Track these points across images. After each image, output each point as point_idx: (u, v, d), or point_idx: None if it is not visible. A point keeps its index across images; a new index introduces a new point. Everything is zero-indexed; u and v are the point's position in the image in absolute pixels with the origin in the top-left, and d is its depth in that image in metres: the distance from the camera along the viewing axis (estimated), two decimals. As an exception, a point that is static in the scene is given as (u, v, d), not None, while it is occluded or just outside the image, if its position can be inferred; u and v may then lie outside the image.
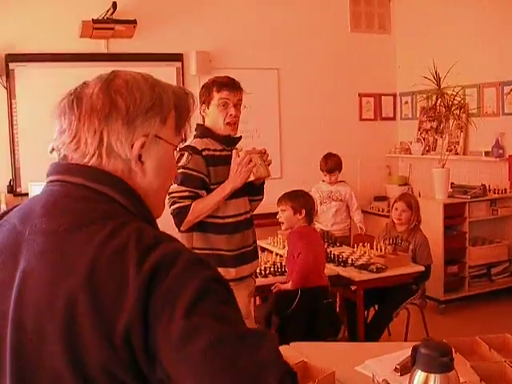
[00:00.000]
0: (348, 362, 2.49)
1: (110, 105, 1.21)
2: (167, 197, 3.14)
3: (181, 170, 3.12)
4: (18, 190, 6.42)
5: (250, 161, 3.19)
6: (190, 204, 3.13)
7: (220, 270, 3.08)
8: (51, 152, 1.27)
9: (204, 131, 3.30)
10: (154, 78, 1.28)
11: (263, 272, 4.38)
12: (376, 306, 4.89)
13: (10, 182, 6.39)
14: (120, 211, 1.19)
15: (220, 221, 3.22)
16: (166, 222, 3.30)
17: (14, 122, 6.37)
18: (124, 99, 1.21)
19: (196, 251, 3.18)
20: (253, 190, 3.42)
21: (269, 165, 3.33)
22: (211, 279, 1.13)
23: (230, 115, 3.26)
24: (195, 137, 3.31)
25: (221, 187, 3.20)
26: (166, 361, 1.05)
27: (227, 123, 3.27)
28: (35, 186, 5.93)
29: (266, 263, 4.64)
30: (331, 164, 5.76)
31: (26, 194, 6.21)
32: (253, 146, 7.12)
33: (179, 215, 3.15)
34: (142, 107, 1.22)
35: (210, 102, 3.26)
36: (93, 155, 1.20)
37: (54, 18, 6.35)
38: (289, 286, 4.05)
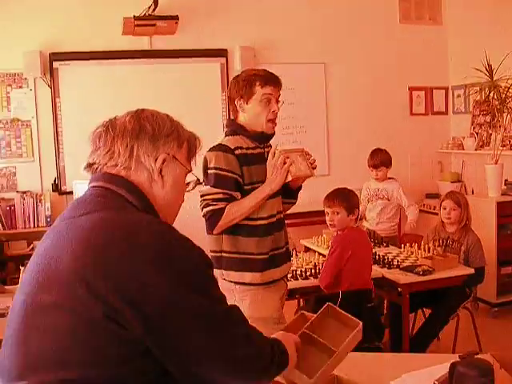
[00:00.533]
0: (384, 374, 2.34)
1: (140, 127, 1.55)
2: (200, 199, 3.02)
3: (213, 171, 2.98)
4: (62, 188, 6.44)
5: (285, 161, 3.01)
6: (224, 207, 2.97)
7: (249, 274, 2.92)
8: (84, 169, 1.59)
9: (236, 128, 3.13)
10: (172, 117, 1.65)
11: (304, 274, 4.22)
12: (423, 310, 4.69)
13: (54, 181, 6.40)
14: (127, 206, 1.50)
15: (252, 223, 3.04)
16: (196, 225, 3.23)
17: (59, 121, 6.39)
18: (151, 124, 1.57)
19: (225, 255, 3.05)
20: (287, 193, 3.25)
21: (314, 167, 3.13)
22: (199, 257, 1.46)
23: (273, 112, 3.09)
24: (226, 134, 3.14)
25: (258, 190, 3.03)
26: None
27: (269, 120, 3.10)
28: (80, 184, 5.92)
29: (308, 264, 4.48)
30: (377, 159, 5.56)
31: (71, 193, 6.21)
32: (299, 142, 7.05)
33: (212, 218, 2.99)
34: (165, 132, 1.58)
35: (251, 97, 3.06)
36: (123, 163, 1.53)
37: (96, 16, 6.35)
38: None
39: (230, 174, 2.98)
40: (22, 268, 3.63)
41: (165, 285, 1.32)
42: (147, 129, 1.56)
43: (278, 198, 3.16)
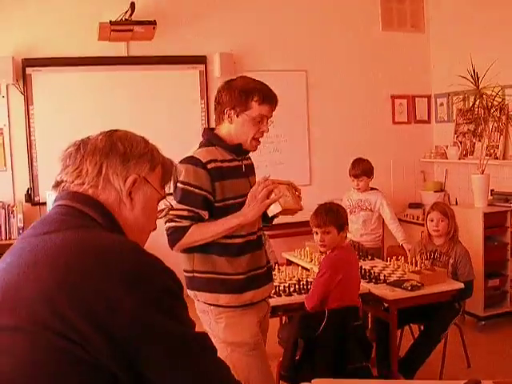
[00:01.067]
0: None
1: (111, 146, 1.49)
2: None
3: (181, 186, 2.77)
4: (35, 199, 6.23)
5: (268, 196, 2.77)
6: (189, 226, 2.76)
7: (224, 296, 2.72)
8: (52, 188, 1.51)
9: (211, 138, 2.92)
10: (148, 140, 1.58)
11: (287, 289, 4.03)
12: (410, 326, 4.54)
13: (27, 191, 6.19)
14: (94, 225, 1.42)
15: (226, 241, 2.82)
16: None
17: (32, 129, 6.21)
18: (123, 143, 1.50)
19: (197, 275, 2.86)
20: (263, 217, 3.00)
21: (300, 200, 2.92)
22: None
23: (262, 132, 2.89)
24: (201, 145, 2.92)
25: (228, 219, 2.79)
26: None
27: (256, 139, 2.90)
28: (53, 195, 5.70)
29: (291, 279, 4.30)
30: (358, 169, 5.44)
31: (44, 204, 6.03)
32: (280, 151, 6.92)
33: (173, 235, 2.79)
34: (137, 152, 1.51)
35: (244, 112, 2.83)
36: (90, 181, 1.46)
37: (71, 20, 6.18)
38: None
39: (197, 191, 2.76)
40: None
41: (133, 305, 1.22)
42: (118, 148, 1.50)
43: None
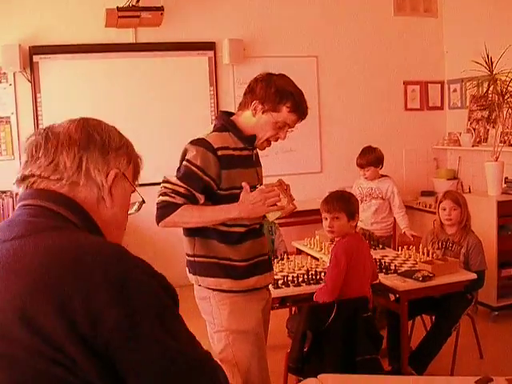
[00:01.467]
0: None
1: (88, 137, 1.35)
2: (161, 184, 2.75)
3: (186, 164, 2.71)
4: (43, 188, 6.17)
5: (275, 203, 2.69)
6: (181, 204, 2.68)
7: (227, 281, 2.62)
8: (17, 182, 1.33)
9: (227, 123, 2.84)
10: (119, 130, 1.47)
11: (296, 280, 3.96)
12: (422, 317, 4.45)
13: (35, 180, 6.14)
14: (69, 226, 1.28)
15: (225, 229, 2.76)
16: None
17: (39, 117, 6.16)
18: (99, 134, 1.37)
19: (198, 259, 2.80)
20: None
21: (293, 199, 2.84)
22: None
23: (278, 138, 2.84)
24: (215, 129, 2.84)
25: (225, 208, 2.71)
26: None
27: (269, 141, 2.86)
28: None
29: (300, 269, 4.23)
30: (363, 159, 5.38)
31: (52, 192, 5.94)
32: (290, 138, 6.81)
33: (163, 210, 2.70)
34: (114, 145, 1.39)
35: (271, 112, 2.76)
36: (70, 177, 1.32)
37: (77, 7, 6.13)
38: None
39: (200, 174, 2.69)
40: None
41: (119, 315, 1.09)
42: (96, 139, 1.36)
43: None
